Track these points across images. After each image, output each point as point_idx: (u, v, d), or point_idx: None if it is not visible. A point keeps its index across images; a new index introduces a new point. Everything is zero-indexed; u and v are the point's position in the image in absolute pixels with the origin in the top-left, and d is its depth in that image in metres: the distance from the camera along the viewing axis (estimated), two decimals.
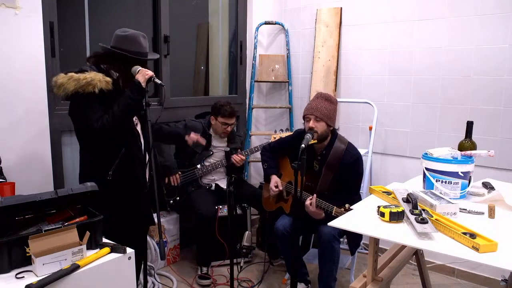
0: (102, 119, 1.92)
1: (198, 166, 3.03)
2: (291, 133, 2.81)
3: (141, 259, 2.40)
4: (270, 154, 2.75)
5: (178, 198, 2.98)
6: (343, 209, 2.21)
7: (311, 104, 2.41)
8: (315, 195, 2.36)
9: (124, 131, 2.03)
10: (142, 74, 1.98)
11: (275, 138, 2.87)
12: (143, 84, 1.96)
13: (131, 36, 2.02)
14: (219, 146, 3.10)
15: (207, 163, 3.06)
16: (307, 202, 2.35)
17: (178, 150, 3.10)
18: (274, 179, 2.64)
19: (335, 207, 2.26)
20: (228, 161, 2.34)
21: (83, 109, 1.92)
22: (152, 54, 2.15)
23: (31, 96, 2.31)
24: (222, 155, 3.06)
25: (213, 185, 3.12)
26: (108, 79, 1.92)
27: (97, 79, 1.88)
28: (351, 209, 1.83)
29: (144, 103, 1.97)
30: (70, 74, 1.89)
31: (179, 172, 2.96)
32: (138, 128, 2.16)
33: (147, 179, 2.19)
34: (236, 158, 2.94)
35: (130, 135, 2.07)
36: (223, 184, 3.10)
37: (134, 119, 2.14)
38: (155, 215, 2.47)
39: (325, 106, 2.37)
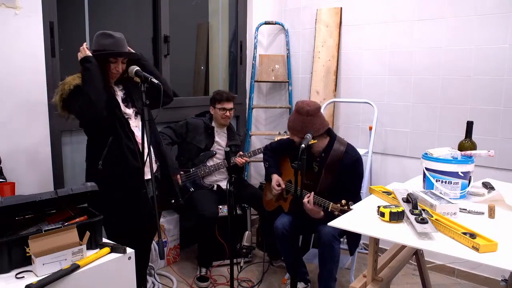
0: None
1: (200, 166, 3.04)
2: None
3: (145, 260, 2.40)
4: (271, 153, 2.77)
5: (180, 198, 2.98)
6: (339, 204, 2.21)
7: (288, 120, 2.46)
8: (312, 192, 2.37)
9: (109, 119, 2.05)
10: (79, 52, 2.04)
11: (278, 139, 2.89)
12: (87, 53, 2.02)
13: (95, 35, 2.10)
14: (221, 142, 3.12)
15: (209, 164, 3.06)
16: (305, 200, 2.35)
17: (182, 149, 3.10)
18: (276, 178, 2.65)
19: (331, 203, 2.27)
20: (228, 161, 2.34)
21: (73, 107, 2.02)
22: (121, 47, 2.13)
23: (31, 96, 2.32)
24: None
25: (215, 185, 3.12)
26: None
27: (71, 78, 2.03)
28: (351, 209, 1.83)
29: (142, 103, 1.97)
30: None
31: (181, 172, 2.97)
32: (137, 120, 2.17)
33: (150, 172, 2.16)
34: (239, 160, 2.96)
35: (116, 122, 2.08)
36: (225, 184, 3.10)
37: (131, 112, 2.15)
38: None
39: (294, 120, 2.39)
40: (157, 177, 2.27)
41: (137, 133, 2.15)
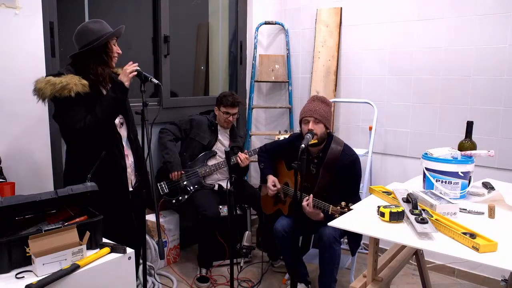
0: (84, 120, 1.90)
1: (201, 166, 3.04)
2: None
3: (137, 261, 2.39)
4: (266, 155, 2.76)
5: (180, 197, 2.98)
6: (339, 207, 2.21)
7: (308, 107, 2.40)
8: (311, 195, 2.36)
9: (105, 133, 2.00)
10: (124, 74, 1.95)
11: (278, 138, 2.88)
12: (127, 84, 1.94)
13: (80, 31, 1.97)
14: (223, 141, 3.13)
15: (210, 163, 3.06)
16: (304, 203, 2.35)
17: (185, 145, 3.10)
18: (271, 178, 2.65)
19: (331, 205, 2.27)
20: (228, 161, 2.34)
21: (63, 112, 1.92)
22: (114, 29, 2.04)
23: (31, 96, 2.30)
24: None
25: (216, 185, 3.12)
26: (84, 82, 1.90)
27: (73, 82, 1.86)
28: (351, 209, 1.83)
29: (142, 103, 1.97)
30: (48, 78, 1.89)
31: (182, 171, 2.97)
32: (123, 129, 2.12)
33: (132, 183, 2.16)
34: (241, 156, 2.95)
35: (111, 137, 2.04)
36: (225, 184, 3.10)
37: (118, 121, 2.10)
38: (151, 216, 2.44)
39: (323, 108, 2.37)
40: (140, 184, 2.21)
41: (126, 146, 2.12)
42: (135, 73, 1.97)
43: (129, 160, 2.15)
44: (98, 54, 1.97)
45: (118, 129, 2.09)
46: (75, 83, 1.86)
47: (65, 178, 2.10)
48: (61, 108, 1.92)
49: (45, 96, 1.87)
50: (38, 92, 1.88)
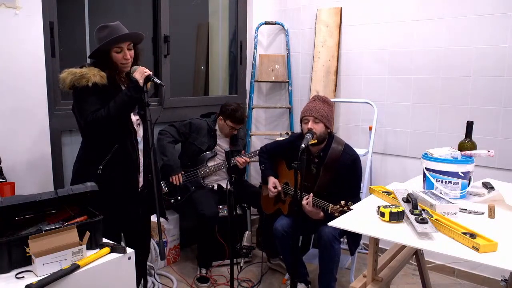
0: (96, 113, 1.93)
1: (201, 166, 3.04)
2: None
3: (141, 261, 2.39)
4: (267, 156, 2.76)
5: (179, 197, 2.98)
6: (338, 206, 2.21)
7: (309, 106, 2.42)
8: (311, 194, 2.37)
9: (119, 128, 2.02)
10: (140, 72, 1.96)
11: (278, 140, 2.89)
12: (141, 82, 1.95)
13: (98, 35, 2.00)
14: (222, 145, 3.12)
15: (210, 164, 3.06)
16: (304, 201, 2.35)
17: (183, 149, 3.10)
18: (272, 180, 2.65)
19: (330, 204, 2.27)
20: (228, 161, 2.35)
21: (79, 102, 1.98)
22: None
23: (31, 96, 2.32)
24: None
25: (215, 185, 3.12)
26: (103, 73, 1.95)
27: (91, 73, 1.92)
28: (351, 209, 1.83)
29: (144, 103, 1.96)
30: (71, 69, 1.96)
31: (182, 172, 2.97)
32: (140, 129, 2.14)
33: (141, 182, 2.16)
34: (240, 160, 2.96)
35: (126, 132, 2.05)
36: (225, 184, 3.10)
37: (136, 119, 2.13)
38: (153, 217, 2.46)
39: (323, 108, 2.37)
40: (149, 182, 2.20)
41: (140, 144, 2.13)
42: (150, 73, 1.98)
43: (140, 160, 2.16)
44: (104, 60, 2.00)
45: (135, 126, 2.10)
46: (93, 73, 1.92)
47: (75, 171, 2.10)
48: (78, 98, 1.97)
49: (66, 84, 1.94)
50: (61, 81, 1.95)
